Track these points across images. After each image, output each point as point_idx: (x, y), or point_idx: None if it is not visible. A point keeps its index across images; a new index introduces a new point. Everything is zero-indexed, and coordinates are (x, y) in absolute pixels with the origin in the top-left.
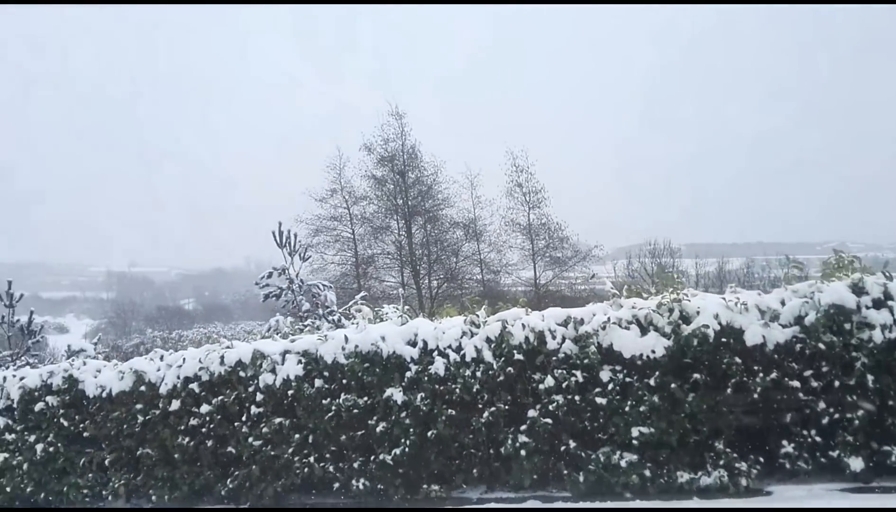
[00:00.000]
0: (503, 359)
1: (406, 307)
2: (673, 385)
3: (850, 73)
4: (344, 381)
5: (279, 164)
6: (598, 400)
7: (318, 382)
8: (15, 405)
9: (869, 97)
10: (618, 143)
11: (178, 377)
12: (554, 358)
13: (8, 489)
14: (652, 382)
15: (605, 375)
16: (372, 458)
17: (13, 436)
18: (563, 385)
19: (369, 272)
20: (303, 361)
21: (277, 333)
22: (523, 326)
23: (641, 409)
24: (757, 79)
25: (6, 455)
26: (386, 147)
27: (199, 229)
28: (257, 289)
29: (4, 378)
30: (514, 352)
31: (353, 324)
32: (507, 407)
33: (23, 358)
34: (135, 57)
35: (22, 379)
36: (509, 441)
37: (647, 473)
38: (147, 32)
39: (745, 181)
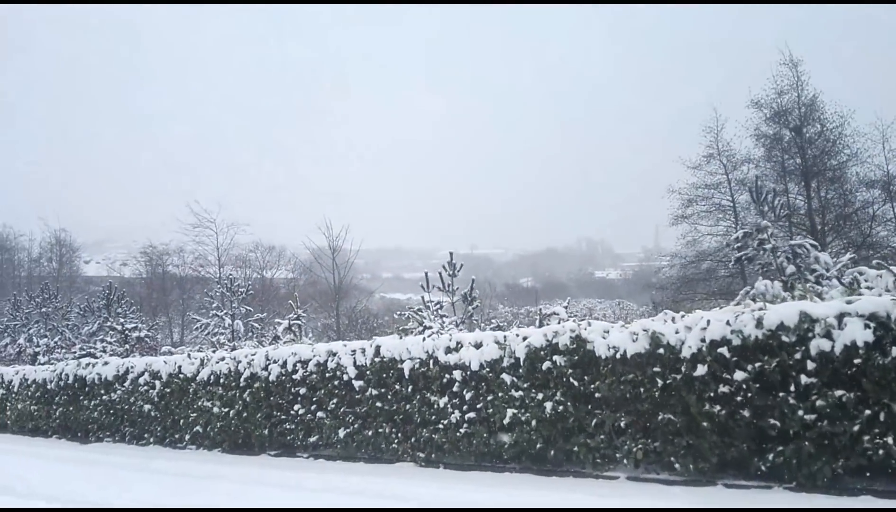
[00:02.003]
0: None
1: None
2: None
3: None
4: None
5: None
6: None
7: (895, 351)
8: (521, 363)
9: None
10: None
11: (703, 341)
12: None
13: (515, 444)
14: None
15: None
16: None
17: (520, 393)
18: None
19: (748, 243)
20: (871, 325)
21: (756, 300)
22: None
23: None
24: None
25: (514, 411)
26: (779, 101)
27: (531, 212)
28: (591, 268)
29: (505, 337)
30: None
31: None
32: None
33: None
34: None
35: (525, 338)
36: None
37: None
38: None
39: None
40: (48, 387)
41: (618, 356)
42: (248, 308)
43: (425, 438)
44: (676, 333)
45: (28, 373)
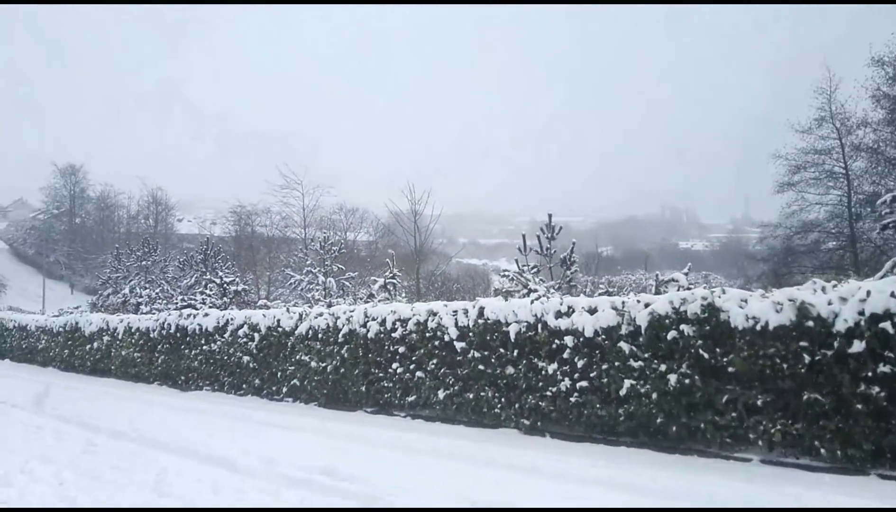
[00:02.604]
0: None
1: None
2: None
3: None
4: None
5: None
6: None
7: None
8: (642, 331)
9: None
10: None
11: (861, 313)
12: None
13: (633, 418)
14: None
15: None
16: None
17: (640, 363)
18: None
19: (863, 214)
20: None
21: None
22: None
23: None
24: None
25: (632, 382)
26: None
27: (612, 179)
28: (675, 238)
29: (623, 303)
30: None
31: None
32: None
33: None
34: None
35: (648, 305)
36: None
37: None
38: None
39: None
40: (151, 335)
41: (757, 328)
42: (340, 266)
43: (531, 404)
44: (829, 304)
45: (132, 321)
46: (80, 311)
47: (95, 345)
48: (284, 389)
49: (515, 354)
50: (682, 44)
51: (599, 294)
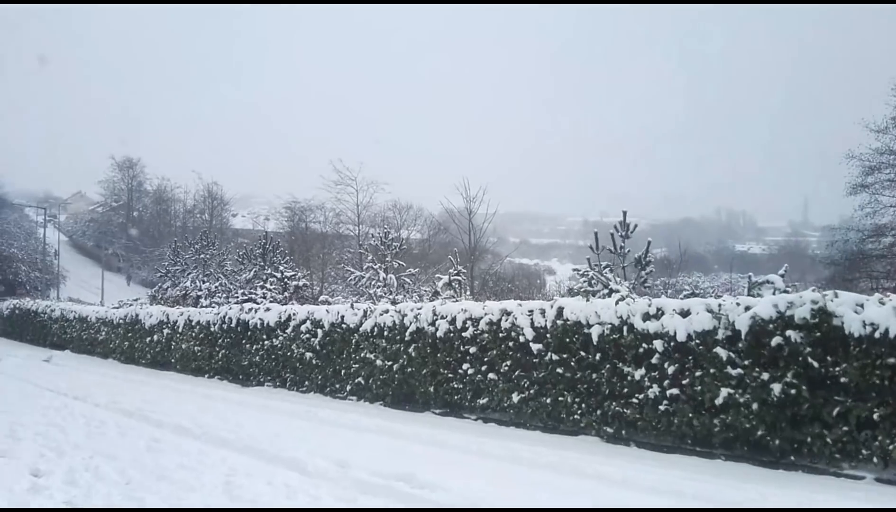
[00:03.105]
0: None
1: None
2: None
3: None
4: None
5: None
6: None
7: None
8: (741, 337)
9: None
10: None
11: None
12: None
13: (729, 429)
14: None
15: None
16: None
17: (738, 370)
18: None
19: None
20: None
21: None
22: None
23: None
24: None
25: (729, 390)
26: None
27: (666, 180)
28: (731, 241)
29: (720, 305)
30: None
31: None
32: None
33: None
34: None
35: (748, 308)
36: None
37: None
38: None
39: None
40: (211, 329)
41: (876, 335)
42: (401, 262)
43: (614, 411)
44: None
45: (193, 315)
46: (139, 303)
47: (155, 337)
48: (348, 387)
49: (598, 357)
50: (737, 40)
51: (683, 296)
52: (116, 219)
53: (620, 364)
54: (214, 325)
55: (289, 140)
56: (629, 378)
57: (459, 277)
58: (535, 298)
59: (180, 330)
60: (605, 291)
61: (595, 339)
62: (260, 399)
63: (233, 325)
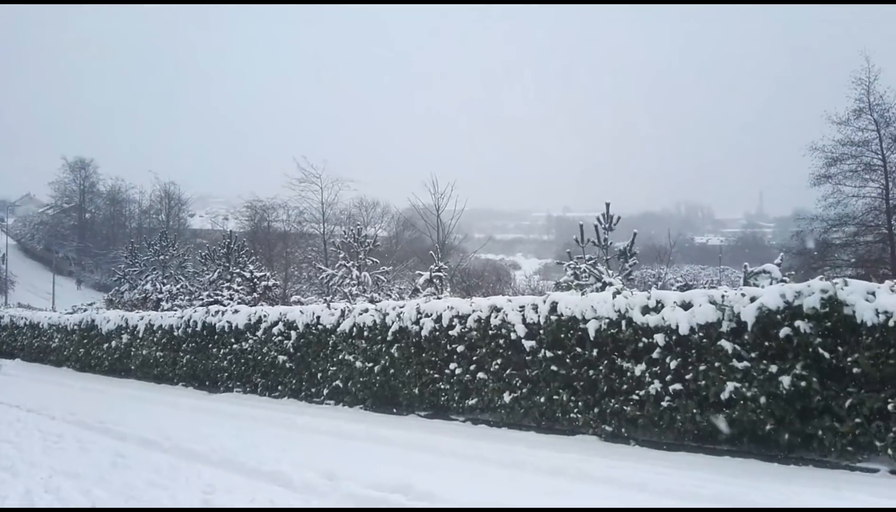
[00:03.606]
0: None
1: None
2: None
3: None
4: None
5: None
6: None
7: None
8: (747, 328)
9: None
10: None
11: None
12: None
13: (736, 424)
14: None
15: None
16: None
17: (744, 363)
18: None
19: None
20: None
21: None
22: None
23: None
24: None
25: (736, 384)
26: None
27: (626, 174)
28: (690, 233)
29: (723, 296)
30: None
31: None
32: None
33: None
34: None
35: (753, 298)
36: None
37: None
38: None
39: None
40: (175, 333)
41: (890, 323)
42: (375, 260)
43: (613, 409)
44: None
45: (154, 318)
46: (94, 307)
47: (114, 344)
48: (325, 391)
49: (595, 353)
50: (691, 39)
51: (677, 288)
52: (68, 221)
53: (619, 360)
54: (178, 329)
55: (249, 140)
56: (628, 374)
57: (441, 274)
58: (504, 292)
59: (140, 335)
60: (598, 284)
61: (592, 334)
62: (231, 406)
63: (198, 328)
